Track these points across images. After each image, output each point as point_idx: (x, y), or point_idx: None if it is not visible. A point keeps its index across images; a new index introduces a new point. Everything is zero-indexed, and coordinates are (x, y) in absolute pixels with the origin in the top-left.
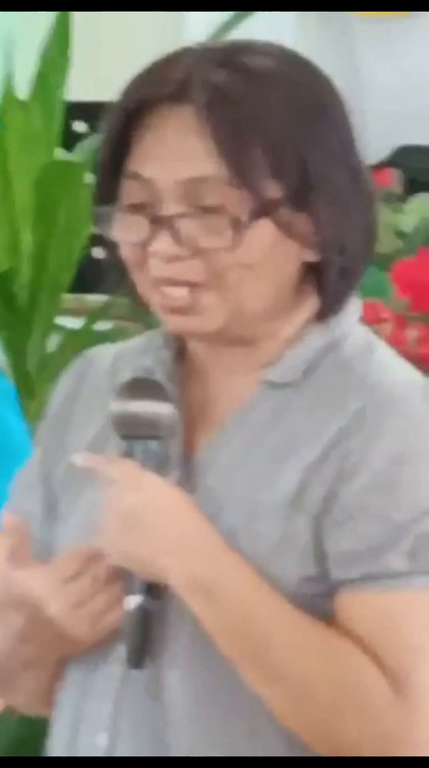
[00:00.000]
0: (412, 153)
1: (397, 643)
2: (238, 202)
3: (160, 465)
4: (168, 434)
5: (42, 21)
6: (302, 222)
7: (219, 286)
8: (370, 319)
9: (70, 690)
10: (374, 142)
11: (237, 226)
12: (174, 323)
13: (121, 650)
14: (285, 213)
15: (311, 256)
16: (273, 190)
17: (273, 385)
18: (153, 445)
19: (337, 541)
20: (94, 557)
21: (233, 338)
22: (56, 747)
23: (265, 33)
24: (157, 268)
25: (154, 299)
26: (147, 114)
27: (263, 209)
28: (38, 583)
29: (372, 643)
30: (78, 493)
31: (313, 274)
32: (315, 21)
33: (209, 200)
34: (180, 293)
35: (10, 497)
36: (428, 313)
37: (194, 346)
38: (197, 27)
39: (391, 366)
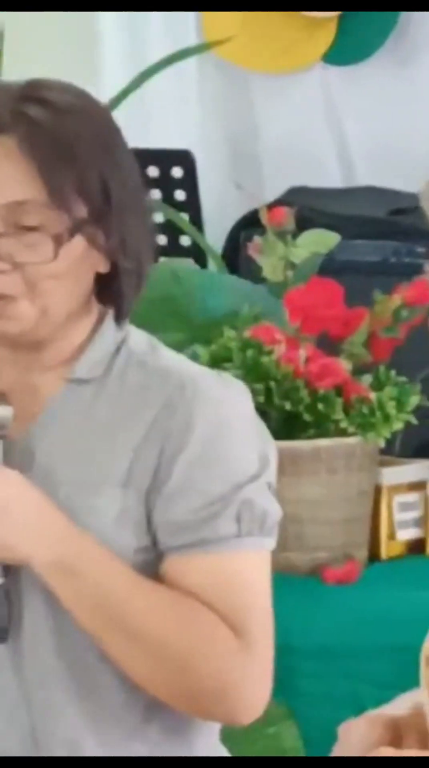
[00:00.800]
0: (302, 193)
1: (231, 597)
2: (54, 221)
3: (4, 460)
4: (7, 432)
5: None
6: (102, 236)
7: (30, 295)
8: (266, 340)
9: None
10: (269, 183)
11: (57, 242)
12: None
13: None
14: (90, 229)
15: (104, 267)
16: (80, 209)
17: (78, 382)
18: None
19: (166, 513)
20: None
21: (31, 340)
22: None
23: (170, 84)
24: None
25: None
26: None
27: (76, 227)
28: None
29: (207, 598)
30: None
31: (97, 286)
32: (215, 73)
33: (28, 220)
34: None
35: None
36: (315, 335)
37: None
38: (112, 79)
39: (177, 359)
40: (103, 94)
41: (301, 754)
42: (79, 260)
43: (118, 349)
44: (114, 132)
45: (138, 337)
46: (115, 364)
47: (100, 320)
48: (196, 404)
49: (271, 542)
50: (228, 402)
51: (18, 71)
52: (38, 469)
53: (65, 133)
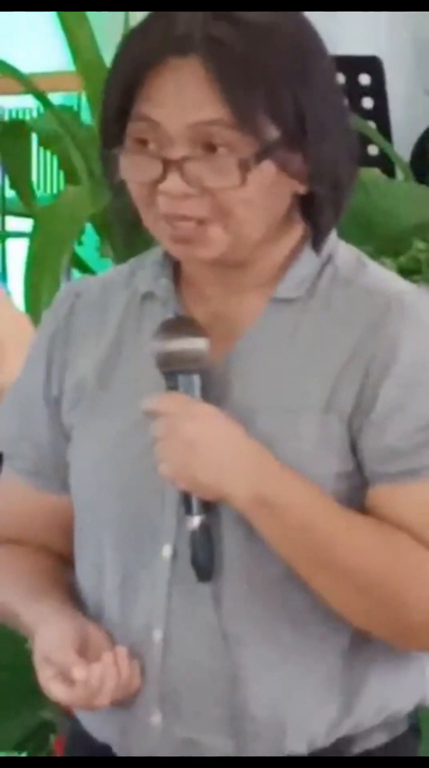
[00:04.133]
0: None
1: None
2: (242, 144)
3: (202, 394)
4: (206, 365)
5: None
6: (297, 160)
7: (222, 220)
8: None
9: (110, 593)
10: None
11: (244, 166)
12: (180, 251)
13: (165, 553)
14: (283, 153)
15: (303, 189)
16: (272, 132)
17: (281, 302)
18: (196, 377)
19: (376, 439)
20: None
21: (231, 261)
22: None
23: None
24: (166, 204)
25: (161, 231)
26: (152, 65)
27: (265, 151)
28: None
29: (416, 528)
30: (87, 421)
31: (300, 203)
32: None
33: (216, 142)
34: (188, 226)
35: (7, 421)
36: None
37: (193, 270)
38: None
39: (386, 276)
40: None
41: None
42: (272, 185)
43: (323, 268)
44: (313, 51)
45: (346, 254)
46: (319, 283)
47: (304, 238)
48: (403, 325)
49: None
50: None
51: None
52: (235, 398)
53: (253, 53)
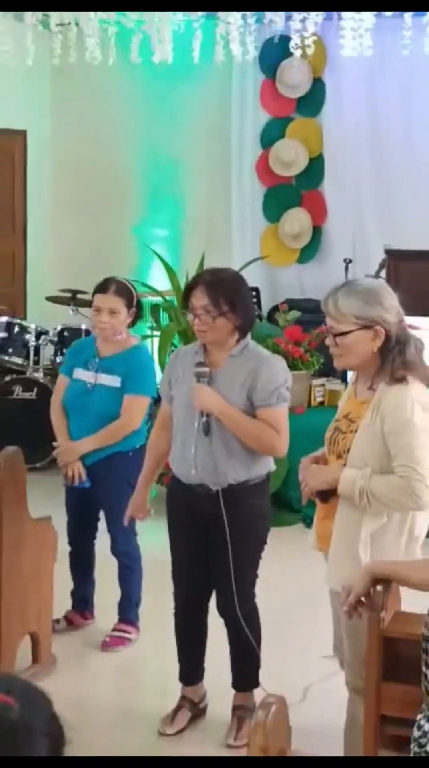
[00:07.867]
0: (291, 300)
1: (276, 421)
2: (214, 311)
3: (208, 384)
4: (209, 376)
5: None
6: (234, 317)
7: (211, 332)
8: (280, 343)
9: (177, 440)
10: (280, 298)
11: (213, 317)
12: (202, 339)
13: (196, 427)
14: (230, 315)
15: (238, 324)
16: (226, 308)
17: (232, 356)
18: (205, 379)
19: (255, 397)
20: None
21: (218, 344)
22: (175, 457)
23: (248, 270)
24: (196, 325)
25: (196, 332)
26: (194, 287)
27: (220, 314)
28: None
29: (268, 422)
30: (176, 390)
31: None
32: (263, 266)
33: (208, 309)
34: (201, 331)
35: (161, 387)
36: (293, 342)
37: (210, 346)
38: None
39: (262, 350)
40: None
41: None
42: (225, 324)
43: (245, 346)
44: (238, 285)
45: (252, 344)
46: (244, 351)
47: (241, 337)
48: (264, 365)
49: (287, 404)
50: (276, 363)
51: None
52: (217, 386)
53: (216, 284)
